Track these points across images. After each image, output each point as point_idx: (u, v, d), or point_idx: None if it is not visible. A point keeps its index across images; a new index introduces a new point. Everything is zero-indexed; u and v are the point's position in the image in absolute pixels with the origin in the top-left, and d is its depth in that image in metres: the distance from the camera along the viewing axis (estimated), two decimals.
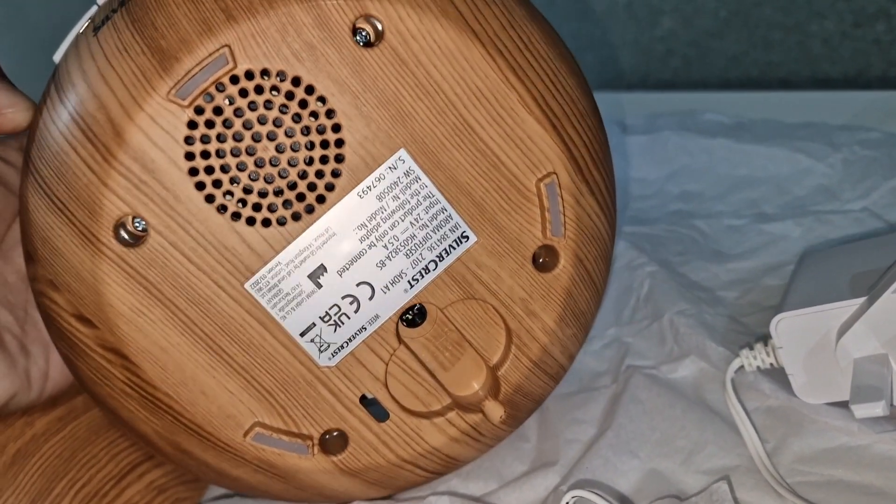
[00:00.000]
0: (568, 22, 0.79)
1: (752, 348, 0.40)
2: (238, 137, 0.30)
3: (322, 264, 0.32)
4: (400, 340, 0.34)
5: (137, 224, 0.31)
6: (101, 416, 0.44)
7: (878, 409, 0.33)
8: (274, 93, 0.30)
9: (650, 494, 0.37)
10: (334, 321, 0.32)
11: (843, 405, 0.37)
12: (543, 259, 0.35)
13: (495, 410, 0.35)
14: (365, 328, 0.33)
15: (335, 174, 0.31)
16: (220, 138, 0.30)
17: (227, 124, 0.30)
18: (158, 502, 0.44)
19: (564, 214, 0.34)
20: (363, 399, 0.34)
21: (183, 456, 0.35)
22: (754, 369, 0.40)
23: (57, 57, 0.33)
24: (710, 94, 0.69)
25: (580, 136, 0.34)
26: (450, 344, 0.34)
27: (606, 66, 0.78)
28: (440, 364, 0.34)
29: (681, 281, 0.48)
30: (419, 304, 0.34)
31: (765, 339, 0.39)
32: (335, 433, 0.34)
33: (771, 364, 0.39)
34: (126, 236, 0.31)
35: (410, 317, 0.34)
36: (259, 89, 0.30)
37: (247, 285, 0.31)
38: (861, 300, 0.35)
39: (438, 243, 0.33)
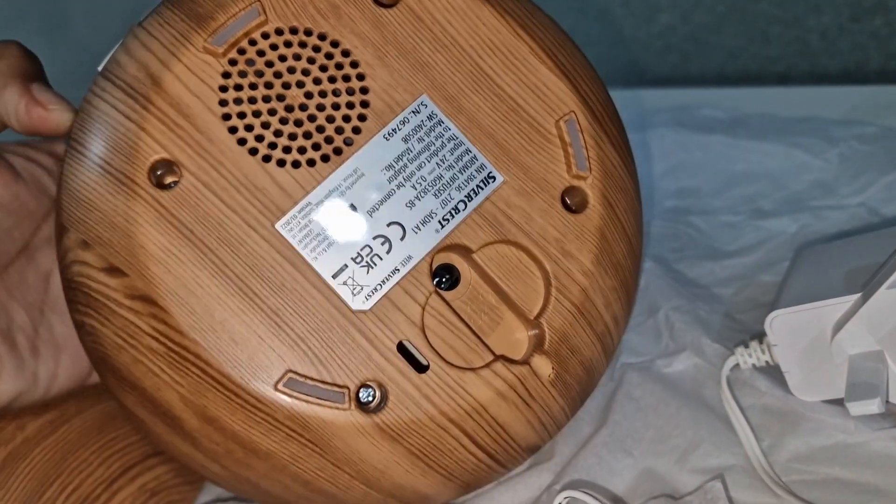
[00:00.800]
0: (564, 18, 0.78)
1: (747, 346, 0.39)
2: (269, 85, 0.33)
3: (352, 204, 0.32)
4: (434, 287, 0.33)
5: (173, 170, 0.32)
6: (92, 418, 0.44)
7: (873, 406, 0.33)
8: (302, 47, 0.33)
9: (644, 493, 0.37)
10: (367, 262, 0.32)
11: (840, 402, 0.36)
12: (572, 200, 0.35)
13: (543, 365, 0.33)
14: (398, 269, 0.32)
15: (361, 118, 0.33)
16: (252, 86, 0.33)
17: (258, 74, 0.33)
18: None
19: (588, 151, 0.35)
20: (401, 348, 0.32)
21: (210, 429, 0.32)
22: (750, 367, 0.39)
23: (101, 67, 0.34)
24: (706, 90, 0.69)
25: (593, 92, 0.36)
26: (487, 308, 0.33)
27: (603, 62, 0.77)
28: (480, 329, 0.33)
29: (676, 277, 0.47)
30: (454, 266, 0.33)
31: (760, 336, 0.39)
32: (373, 388, 0.32)
33: (766, 361, 0.39)
34: (161, 178, 0.32)
35: (445, 282, 0.33)
36: (288, 44, 0.33)
37: (278, 225, 0.32)
38: (856, 296, 0.35)
39: (466, 183, 0.34)
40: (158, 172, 0.32)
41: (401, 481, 0.33)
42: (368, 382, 0.32)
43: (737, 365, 0.39)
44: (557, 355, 0.34)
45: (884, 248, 0.36)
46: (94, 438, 0.44)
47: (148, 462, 0.45)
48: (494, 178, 0.34)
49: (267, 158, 0.32)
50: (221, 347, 0.31)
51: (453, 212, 0.33)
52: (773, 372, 0.39)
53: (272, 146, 0.32)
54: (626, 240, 0.36)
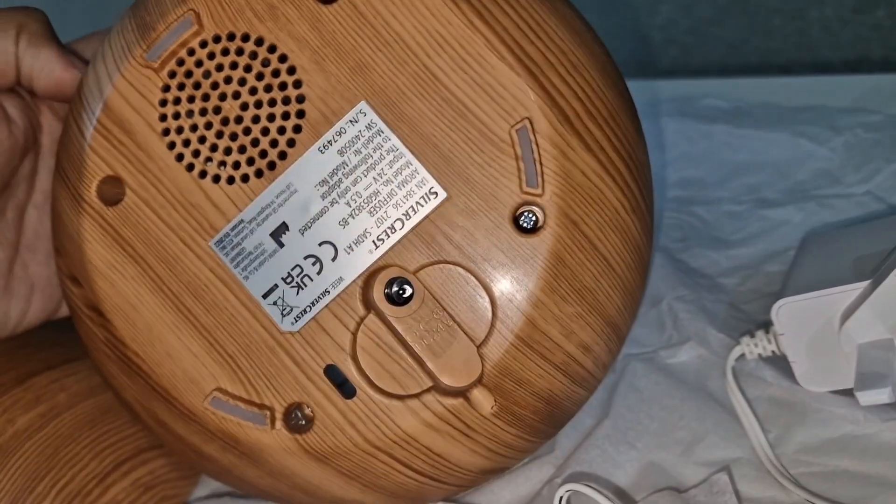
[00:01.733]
0: None
1: (753, 335, 0.38)
2: (206, 97, 0.32)
3: (284, 222, 0.31)
4: (368, 308, 0.31)
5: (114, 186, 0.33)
6: (84, 413, 0.43)
7: (883, 395, 0.32)
8: (239, 54, 0.32)
9: (648, 487, 0.36)
10: (297, 283, 0.31)
11: (848, 393, 0.36)
12: (526, 219, 0.31)
13: (483, 398, 0.31)
14: (328, 291, 0.31)
15: (296, 130, 0.31)
16: (191, 99, 0.32)
17: (196, 86, 0.32)
18: (144, 501, 0.43)
19: (542, 164, 0.31)
20: (328, 371, 0.32)
21: (161, 428, 0.34)
22: (755, 357, 0.38)
23: None
24: (708, 80, 0.68)
25: (569, 86, 0.31)
26: (441, 326, 0.31)
27: None
28: (429, 349, 0.31)
29: (680, 267, 0.46)
30: (404, 278, 0.31)
31: (766, 325, 0.38)
32: (300, 410, 0.32)
33: (772, 351, 0.38)
34: (105, 195, 0.33)
35: (397, 293, 0.32)
36: (225, 51, 0.32)
37: (211, 243, 0.32)
38: (864, 284, 0.34)
39: (404, 200, 0.31)
40: (106, 189, 0.33)
41: (340, 495, 0.34)
42: (295, 404, 0.32)
43: (742, 355, 0.39)
44: (499, 388, 0.32)
45: (893, 234, 0.36)
46: (87, 432, 0.43)
47: (142, 456, 0.44)
48: (436, 193, 0.31)
49: (203, 174, 0.32)
50: (159, 361, 0.32)
51: (389, 231, 0.31)
52: (779, 362, 0.38)
53: (208, 161, 0.32)
54: (600, 260, 0.32)
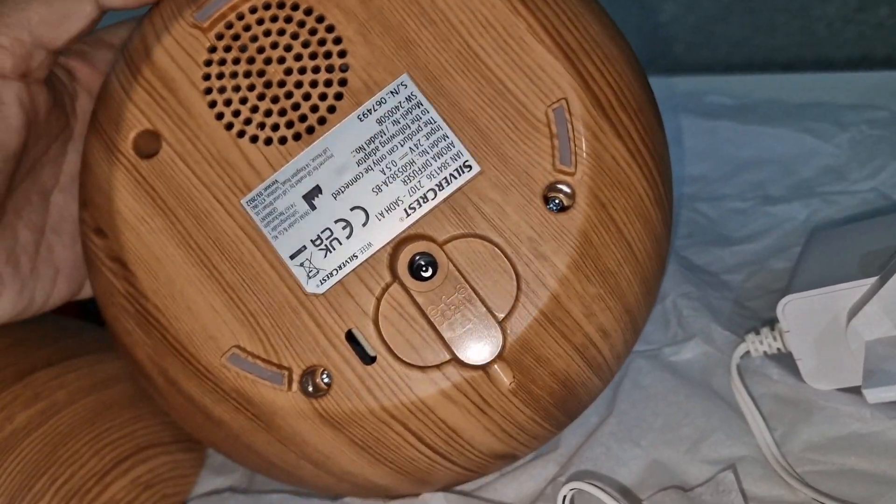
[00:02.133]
0: None
1: (758, 333, 0.38)
2: (251, 60, 0.33)
3: (318, 185, 0.32)
4: (394, 278, 0.32)
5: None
6: (84, 410, 0.43)
7: (892, 392, 0.31)
8: (287, 22, 0.33)
9: (653, 485, 0.36)
10: (325, 245, 0.32)
11: (854, 391, 0.35)
12: (556, 197, 0.32)
13: (501, 373, 0.31)
14: (356, 256, 0.32)
15: (338, 97, 0.32)
16: (236, 61, 0.33)
17: (242, 49, 0.33)
18: (144, 499, 0.43)
19: (575, 144, 0.31)
20: (349, 336, 0.32)
21: (171, 388, 0.34)
22: (761, 354, 0.38)
23: None
24: (712, 76, 0.68)
25: (602, 74, 0.33)
26: (460, 302, 0.31)
27: None
28: (450, 325, 0.31)
29: (684, 264, 0.46)
30: (429, 254, 0.31)
31: (771, 322, 0.38)
32: (318, 373, 0.32)
33: (778, 349, 0.37)
34: (141, 148, 0.33)
35: (422, 266, 0.32)
36: (274, 18, 0.33)
37: (243, 201, 0.32)
38: (872, 280, 0.34)
39: (439, 171, 0.32)
40: (142, 142, 0.33)
41: (349, 468, 0.34)
42: (313, 367, 0.32)
43: (747, 352, 0.38)
44: (519, 364, 0.32)
45: None
46: (86, 430, 0.43)
47: (142, 454, 0.44)
48: (471, 167, 0.32)
49: (241, 134, 0.33)
50: (179, 315, 0.33)
51: (421, 200, 0.32)
52: (784, 360, 0.38)
53: (247, 122, 0.33)
54: (624, 245, 0.32)
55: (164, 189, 0.33)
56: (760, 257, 0.46)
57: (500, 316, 0.31)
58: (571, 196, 0.32)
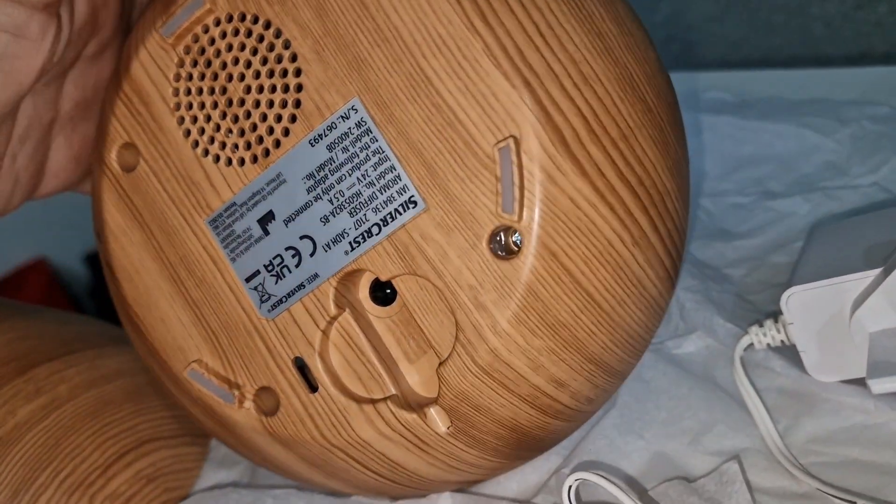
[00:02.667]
0: None
1: (761, 325, 0.38)
2: (215, 77, 0.33)
3: (271, 210, 0.32)
4: (342, 308, 0.32)
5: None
6: (86, 404, 0.43)
7: None
8: (247, 36, 0.32)
9: (656, 477, 0.36)
10: (277, 272, 0.32)
11: (859, 382, 0.35)
12: (501, 242, 0.29)
13: (437, 418, 0.31)
14: (304, 286, 0.32)
15: (292, 119, 0.31)
16: (201, 77, 0.33)
17: (207, 64, 0.33)
18: (147, 492, 0.43)
19: (524, 188, 0.28)
20: (299, 362, 0.32)
21: (162, 387, 0.36)
22: (764, 347, 0.38)
23: None
24: (712, 73, 0.68)
25: (572, 101, 0.29)
26: (416, 333, 0.31)
27: None
28: (405, 353, 0.32)
29: (686, 259, 0.46)
30: (388, 280, 0.31)
31: (775, 315, 0.38)
32: (269, 393, 0.33)
33: (782, 341, 0.37)
34: (123, 161, 0.34)
35: (382, 294, 0.32)
36: (236, 32, 0.32)
37: (206, 221, 0.33)
38: (877, 271, 0.34)
39: (384, 205, 0.30)
40: (125, 156, 0.34)
41: (308, 476, 0.35)
42: (265, 387, 0.33)
43: (751, 345, 0.38)
44: (455, 411, 0.31)
45: None
46: (89, 423, 0.43)
47: (144, 448, 0.44)
48: (416, 203, 0.30)
49: (206, 153, 0.33)
50: (154, 324, 0.34)
51: (365, 234, 0.31)
52: (788, 352, 0.38)
53: (211, 141, 0.33)
54: (582, 295, 0.29)
55: (141, 203, 0.34)
56: (762, 252, 0.46)
57: (441, 358, 0.31)
58: (517, 243, 0.29)
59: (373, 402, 0.32)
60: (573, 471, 0.32)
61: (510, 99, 0.28)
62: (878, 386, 0.32)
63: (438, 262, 0.30)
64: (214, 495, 0.42)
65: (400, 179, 0.30)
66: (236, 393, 0.33)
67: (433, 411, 0.31)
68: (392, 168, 0.30)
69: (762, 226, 0.48)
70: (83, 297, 1.61)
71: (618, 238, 0.30)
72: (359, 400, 0.32)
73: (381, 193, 0.30)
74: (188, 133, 0.33)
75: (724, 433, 0.36)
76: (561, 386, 0.31)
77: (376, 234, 0.31)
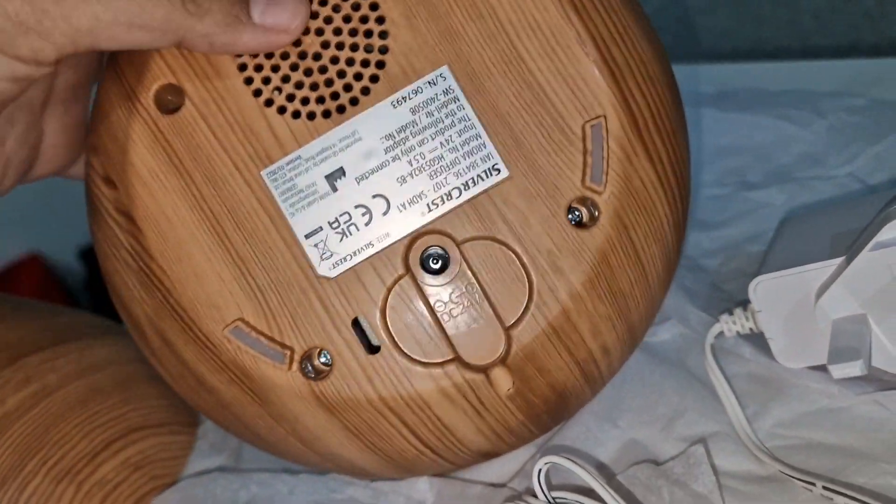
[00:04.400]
0: None
1: (731, 313, 0.39)
2: None
3: (342, 167, 0.31)
4: (408, 271, 0.31)
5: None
6: (75, 393, 0.44)
7: (855, 368, 0.32)
8: None
9: (628, 462, 0.36)
10: (343, 229, 0.31)
11: (823, 368, 0.36)
12: (581, 213, 0.31)
13: (502, 379, 0.31)
14: (373, 244, 0.31)
15: (373, 79, 0.31)
16: None
17: None
18: (134, 479, 0.44)
19: (608, 164, 0.31)
20: (355, 323, 0.31)
21: (166, 349, 0.34)
22: (734, 334, 0.39)
23: None
24: (694, 66, 0.68)
25: (643, 94, 0.32)
26: (468, 302, 0.31)
27: None
28: (454, 322, 0.31)
29: None
30: (441, 247, 0.31)
31: (745, 303, 0.38)
32: (319, 356, 0.31)
33: (751, 329, 0.38)
34: (162, 102, 0.32)
35: (435, 266, 0.31)
36: None
37: (263, 172, 0.31)
38: (839, 260, 0.35)
39: (467, 170, 0.31)
40: (165, 96, 0.32)
41: (337, 451, 0.33)
42: (315, 349, 0.31)
43: (721, 333, 0.39)
44: (521, 372, 0.32)
45: (868, 213, 0.36)
46: (77, 412, 0.43)
47: (132, 436, 0.45)
48: (499, 170, 0.31)
49: (269, 103, 0.32)
50: (184, 280, 0.32)
51: (445, 197, 0.31)
52: (757, 339, 0.39)
53: (277, 91, 0.32)
54: (639, 268, 0.33)
55: (183, 148, 0.32)
56: (737, 242, 0.47)
57: (508, 322, 0.31)
58: (596, 214, 0.31)
59: (438, 364, 0.31)
60: (543, 454, 0.33)
61: (598, 84, 0.31)
62: (838, 371, 0.32)
63: (519, 228, 0.31)
64: (202, 481, 0.43)
65: (485, 147, 0.31)
66: (287, 353, 0.31)
67: (497, 371, 0.31)
68: (477, 136, 0.31)
69: (738, 216, 0.48)
70: (78, 293, 1.62)
71: (667, 220, 0.33)
72: (421, 363, 0.31)
73: (465, 159, 0.31)
74: (250, 81, 0.32)
75: (695, 419, 0.37)
76: (606, 353, 0.33)
77: (457, 197, 0.31)
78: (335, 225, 0.31)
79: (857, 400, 0.35)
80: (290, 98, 0.32)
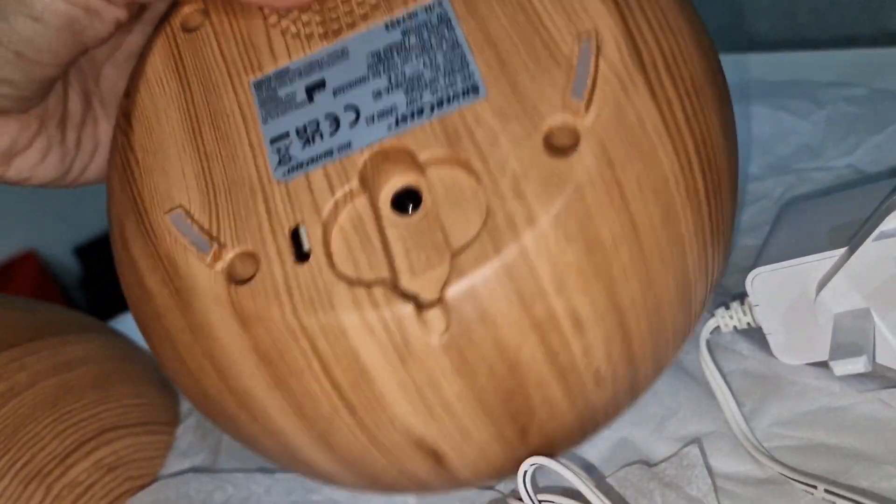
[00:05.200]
0: None
1: (728, 307, 0.37)
2: None
3: (324, 79, 0.31)
4: (365, 189, 0.29)
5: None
6: (46, 392, 0.42)
7: (858, 364, 0.31)
8: None
9: (619, 463, 0.35)
10: (308, 136, 0.31)
11: (824, 364, 0.35)
12: (558, 139, 0.28)
13: (436, 318, 0.27)
14: (332, 153, 0.30)
15: (375, 7, 0.32)
16: None
17: None
18: (107, 481, 0.42)
19: (595, 82, 0.28)
20: (295, 234, 0.29)
21: (125, 254, 0.33)
22: (731, 329, 0.37)
23: None
24: None
25: (655, 36, 0.29)
26: (432, 248, 0.28)
27: None
28: (410, 266, 0.28)
29: None
30: (416, 189, 0.29)
31: (742, 297, 0.37)
32: (248, 260, 0.29)
33: (748, 323, 0.37)
34: (187, 23, 0.34)
35: (402, 204, 0.29)
36: None
37: (251, 81, 0.32)
38: (840, 251, 0.33)
39: (443, 89, 0.29)
40: (191, 18, 0.34)
41: (248, 384, 0.30)
42: (247, 254, 0.30)
43: (717, 328, 0.37)
44: (457, 313, 0.27)
45: (871, 202, 0.34)
46: (48, 412, 0.42)
47: (105, 436, 0.43)
48: (478, 90, 0.29)
49: (275, 23, 0.33)
50: (152, 171, 0.32)
51: (416, 113, 0.29)
52: (755, 334, 0.37)
53: (287, 13, 0.33)
54: (626, 219, 0.28)
55: (191, 60, 0.33)
56: (734, 235, 0.45)
57: (455, 246, 0.27)
58: (575, 140, 0.27)
59: (366, 284, 0.28)
60: (528, 455, 0.31)
61: (598, 10, 0.29)
62: (840, 368, 0.31)
63: (486, 146, 0.28)
64: (176, 482, 0.42)
65: (467, 67, 0.29)
66: (214, 246, 0.30)
67: (432, 311, 0.27)
68: (462, 56, 0.30)
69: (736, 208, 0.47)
70: (74, 290, 1.61)
71: (674, 181, 0.28)
72: (350, 281, 0.28)
73: (444, 78, 0.30)
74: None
75: (688, 418, 0.36)
76: (578, 326, 0.28)
77: (427, 113, 0.29)
78: (301, 132, 0.31)
79: (860, 398, 0.34)
80: (295, 20, 0.33)
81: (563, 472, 0.30)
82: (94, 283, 1.54)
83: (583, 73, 0.28)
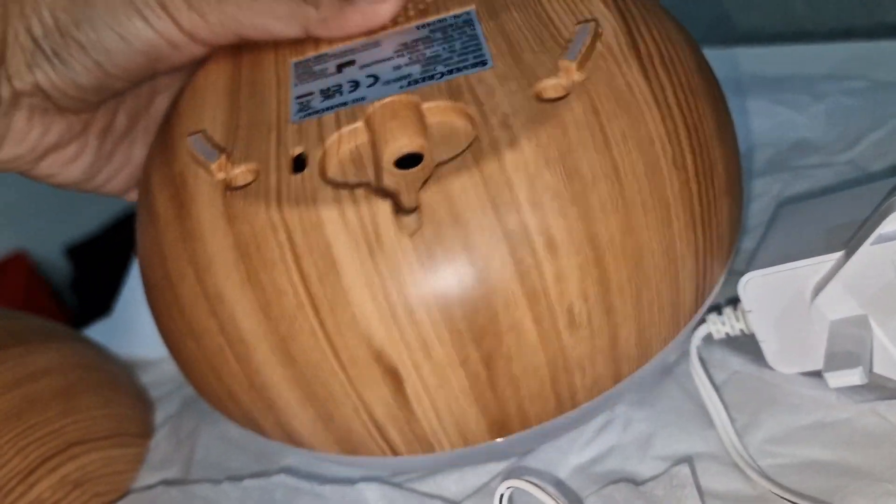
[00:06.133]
0: None
1: (720, 313, 0.35)
2: None
3: (354, 59, 0.35)
4: (371, 132, 0.32)
5: None
6: (9, 404, 0.40)
7: (854, 377, 0.29)
8: None
9: (603, 481, 0.33)
10: (329, 94, 0.34)
11: (821, 374, 0.33)
12: (548, 92, 0.30)
13: (411, 216, 0.28)
14: (346, 104, 0.33)
15: (409, 17, 0.36)
16: None
17: None
18: (73, 498, 0.41)
19: (588, 49, 0.31)
20: (299, 156, 0.31)
21: (145, 176, 0.36)
22: (723, 336, 0.35)
23: None
24: None
25: (654, 38, 0.33)
26: (420, 174, 0.30)
27: None
28: (395, 180, 0.30)
29: None
30: (419, 153, 0.31)
31: (734, 302, 0.35)
32: (250, 173, 0.32)
33: (741, 330, 0.35)
34: None
35: (406, 162, 0.31)
36: None
37: (293, 62, 0.36)
38: (837, 255, 0.31)
39: (456, 63, 0.33)
40: None
41: (221, 286, 0.31)
42: (251, 169, 0.32)
43: (709, 335, 0.36)
44: (432, 212, 0.28)
45: (869, 203, 0.32)
46: (10, 426, 0.40)
47: (72, 451, 0.41)
48: (485, 63, 0.32)
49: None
50: (187, 112, 0.35)
51: (427, 78, 0.32)
52: (748, 342, 0.35)
53: None
54: (607, 157, 0.29)
55: (248, 51, 0.37)
56: None
57: (439, 159, 0.30)
58: (564, 91, 0.30)
59: (350, 186, 0.29)
60: (507, 477, 0.30)
61: (602, 10, 0.33)
62: (835, 380, 0.29)
63: (483, 96, 0.31)
64: (144, 498, 0.40)
65: (480, 49, 0.33)
66: (222, 157, 0.32)
67: (408, 212, 0.29)
68: (478, 45, 0.33)
69: None
70: (64, 291, 1.59)
71: (660, 145, 0.30)
72: (336, 185, 0.30)
73: (458, 57, 0.33)
74: None
75: (676, 435, 0.34)
76: (552, 249, 0.28)
77: (437, 78, 0.32)
78: (324, 91, 0.34)
79: (857, 410, 0.32)
80: None
81: (540, 494, 0.28)
82: (86, 284, 1.52)
83: (578, 43, 0.31)
